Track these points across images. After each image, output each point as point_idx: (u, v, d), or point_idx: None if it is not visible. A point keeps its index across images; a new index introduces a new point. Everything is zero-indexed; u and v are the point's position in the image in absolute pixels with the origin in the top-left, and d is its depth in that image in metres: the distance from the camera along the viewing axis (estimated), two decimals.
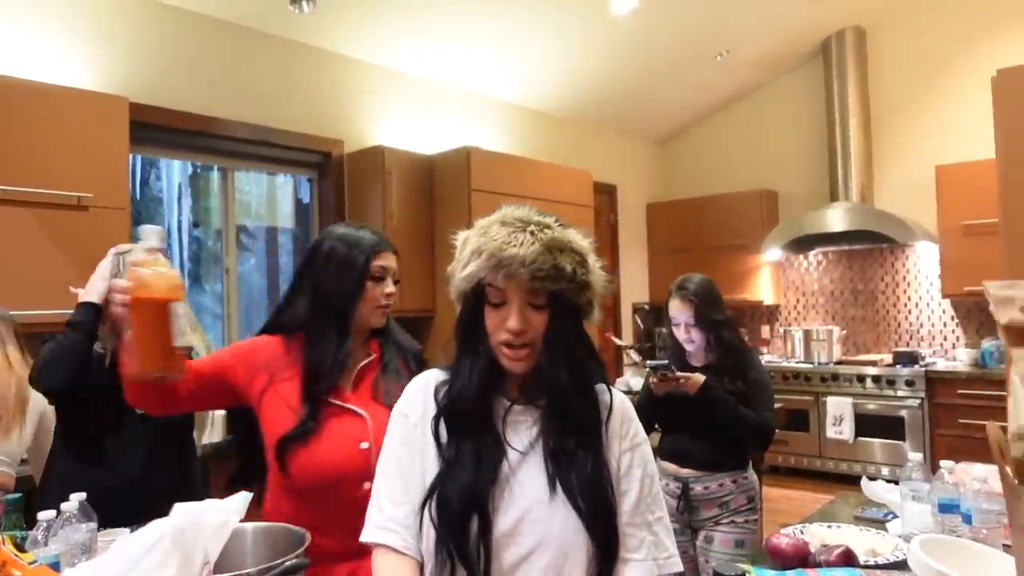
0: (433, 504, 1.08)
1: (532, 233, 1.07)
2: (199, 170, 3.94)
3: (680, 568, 1.16)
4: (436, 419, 1.14)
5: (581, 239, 1.13)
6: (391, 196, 4.06)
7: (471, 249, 1.10)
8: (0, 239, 2.66)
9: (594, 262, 1.13)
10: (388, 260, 1.61)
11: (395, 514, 1.12)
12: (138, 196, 3.66)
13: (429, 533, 1.09)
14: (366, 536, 1.12)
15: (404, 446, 1.16)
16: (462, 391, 1.13)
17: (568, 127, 5.75)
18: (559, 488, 1.09)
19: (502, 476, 1.10)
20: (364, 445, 1.47)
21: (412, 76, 4.59)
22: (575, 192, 4.83)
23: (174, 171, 3.86)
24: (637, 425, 1.21)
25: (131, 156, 3.18)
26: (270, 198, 4.28)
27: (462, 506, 1.07)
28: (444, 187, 4.25)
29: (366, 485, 1.25)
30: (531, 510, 1.08)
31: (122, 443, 1.89)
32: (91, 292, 1.78)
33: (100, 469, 1.84)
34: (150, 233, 1.31)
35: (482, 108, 5.07)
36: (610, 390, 1.19)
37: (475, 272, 1.09)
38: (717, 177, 6.39)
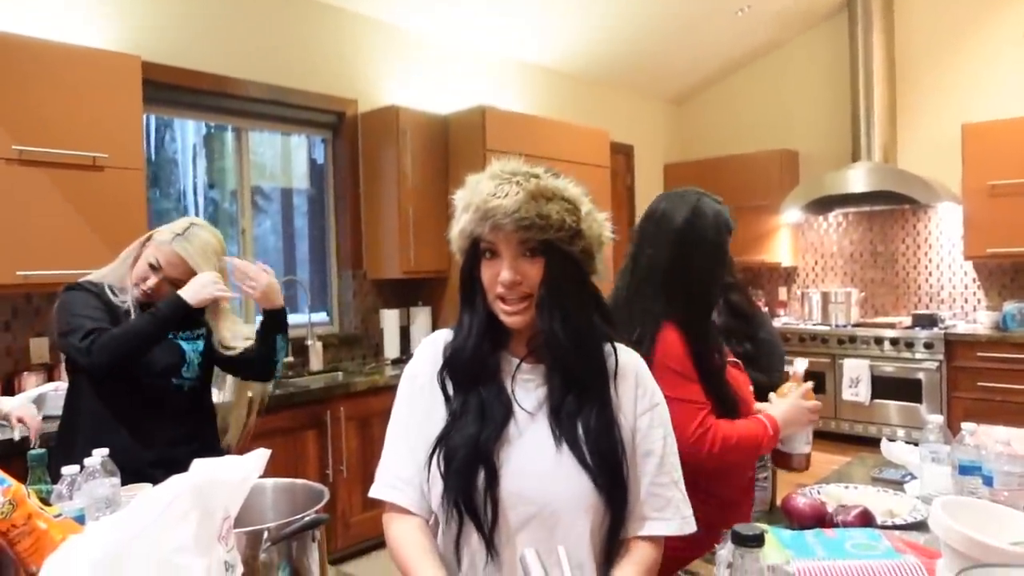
0: (440, 455, 1.09)
1: (518, 183, 1.06)
2: (213, 131, 3.92)
3: (695, 528, 1.16)
4: (440, 373, 1.16)
5: (572, 187, 1.11)
6: (406, 156, 4.02)
7: (462, 205, 1.12)
8: (17, 199, 2.66)
9: (588, 211, 1.11)
10: None
11: (401, 473, 1.15)
12: (153, 157, 3.65)
13: (436, 487, 1.10)
14: (374, 492, 1.16)
15: (411, 406, 1.19)
16: (462, 345, 1.15)
17: (584, 86, 5.65)
18: (564, 446, 1.08)
19: (509, 434, 1.10)
20: None
21: (427, 34, 4.51)
22: (592, 152, 4.77)
23: (188, 132, 3.84)
24: (653, 385, 1.20)
25: (145, 116, 3.16)
26: (284, 159, 4.26)
27: (468, 457, 1.07)
28: (459, 147, 4.21)
29: None
30: (538, 469, 1.08)
31: (163, 415, 1.90)
32: (196, 295, 1.80)
33: (139, 442, 1.83)
34: None
35: (497, 67, 4.98)
36: (615, 348, 1.17)
37: (464, 227, 1.10)
38: (736, 137, 6.27)
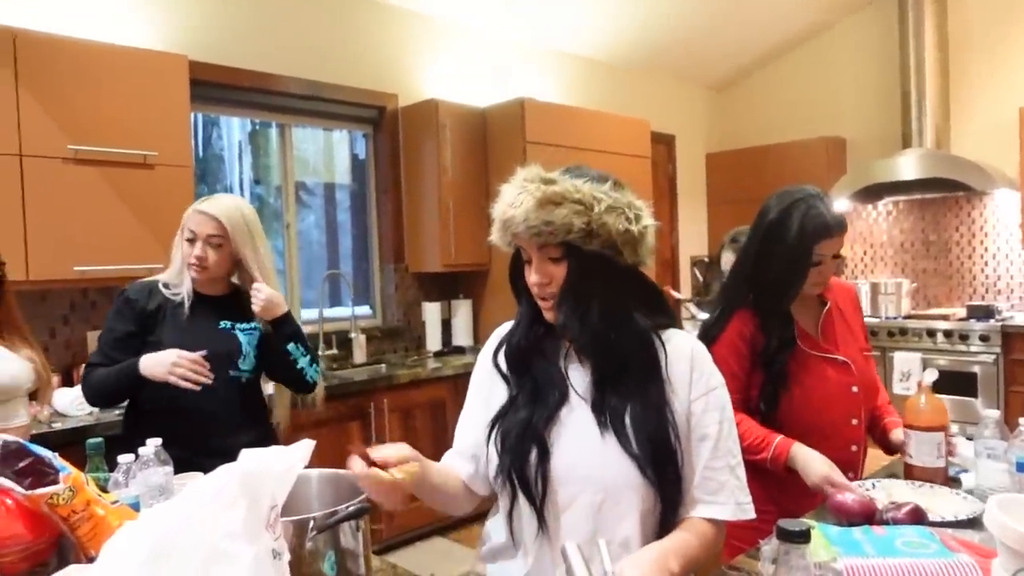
0: (497, 435, 1.20)
1: (529, 191, 1.11)
2: (258, 127, 3.99)
3: (754, 515, 1.18)
4: (494, 358, 1.27)
5: (587, 186, 1.12)
6: (445, 150, 4.04)
7: (494, 214, 1.18)
8: (73, 197, 2.76)
9: (607, 207, 1.11)
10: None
11: (459, 446, 1.29)
12: (200, 154, 3.74)
13: (493, 463, 1.20)
14: (445, 458, 1.29)
15: (475, 389, 1.31)
16: (513, 334, 1.26)
17: (624, 75, 5.59)
18: (609, 433, 1.13)
19: (561, 415, 1.17)
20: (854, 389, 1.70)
21: (465, 26, 4.51)
22: (632, 143, 4.72)
23: (234, 129, 3.93)
24: (711, 369, 1.21)
25: (192, 115, 3.24)
26: (327, 154, 4.32)
27: (520, 435, 1.16)
28: (498, 140, 4.21)
29: None
30: (584, 452, 1.14)
31: (220, 406, 1.93)
32: (148, 369, 1.84)
33: (197, 433, 1.87)
34: None
35: (536, 58, 4.96)
36: (660, 337, 1.18)
37: (496, 236, 1.18)
38: (780, 124, 6.13)
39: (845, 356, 1.71)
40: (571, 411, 1.17)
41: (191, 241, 1.91)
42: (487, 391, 1.28)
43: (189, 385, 1.80)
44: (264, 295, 1.93)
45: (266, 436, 2.04)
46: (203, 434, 1.86)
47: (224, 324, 1.98)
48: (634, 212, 1.14)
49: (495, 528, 1.26)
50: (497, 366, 1.26)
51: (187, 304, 1.94)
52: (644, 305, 1.18)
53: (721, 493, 1.15)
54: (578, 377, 1.20)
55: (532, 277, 1.16)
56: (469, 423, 1.29)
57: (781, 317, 1.66)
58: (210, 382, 1.84)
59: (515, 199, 1.12)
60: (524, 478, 1.14)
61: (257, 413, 2.05)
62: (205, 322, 1.95)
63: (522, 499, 1.15)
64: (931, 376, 1.72)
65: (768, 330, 1.66)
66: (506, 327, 1.31)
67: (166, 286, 1.97)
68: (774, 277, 1.65)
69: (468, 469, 1.26)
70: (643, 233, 1.15)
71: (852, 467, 1.69)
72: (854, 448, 1.70)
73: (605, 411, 1.15)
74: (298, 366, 2.01)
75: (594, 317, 1.13)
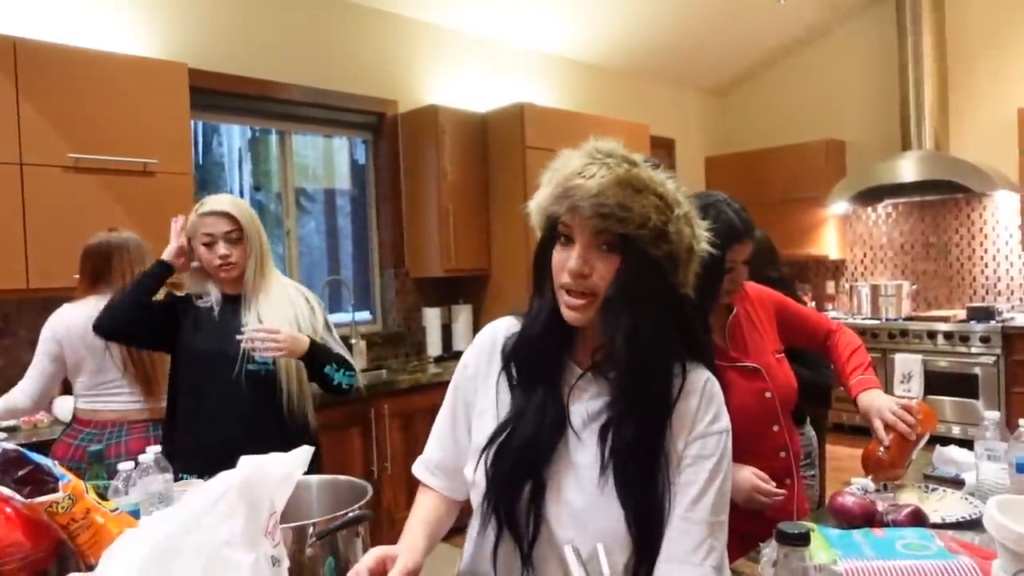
0: (490, 456, 1.04)
1: (608, 166, 0.95)
2: (258, 134, 4.00)
3: None
4: (506, 362, 1.09)
5: (672, 184, 0.99)
6: (445, 155, 4.05)
7: (546, 178, 1.01)
8: (74, 206, 2.76)
9: (684, 213, 0.99)
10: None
11: (435, 456, 1.18)
12: (201, 161, 3.75)
13: (479, 486, 1.06)
14: (413, 469, 1.21)
15: (455, 394, 1.16)
16: (528, 333, 1.06)
17: (623, 80, 5.60)
18: (610, 475, 0.99)
19: (560, 449, 1.02)
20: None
21: (463, 33, 4.53)
22: (631, 147, 4.66)
23: (234, 136, 3.94)
24: (720, 411, 1.04)
25: (192, 122, 3.25)
26: (327, 160, 4.33)
27: (517, 466, 1.01)
28: (498, 145, 4.22)
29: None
30: (580, 497, 1.00)
31: (240, 400, 1.94)
32: (167, 252, 1.98)
33: (217, 426, 1.92)
34: None
35: (535, 63, 4.98)
36: (685, 368, 1.02)
37: (542, 202, 1.00)
38: (780, 127, 6.14)
39: (756, 362, 1.61)
40: (569, 449, 1.02)
41: (209, 245, 1.92)
42: (470, 397, 1.13)
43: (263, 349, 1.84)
44: (283, 339, 1.86)
45: (287, 431, 1.97)
46: (221, 427, 1.90)
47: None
48: (699, 229, 1.03)
49: (473, 553, 1.14)
50: (507, 366, 1.08)
51: (216, 310, 1.98)
52: (682, 337, 1.03)
53: (697, 552, 0.97)
54: (581, 412, 1.04)
55: (573, 262, 0.96)
56: (443, 434, 1.16)
57: (701, 327, 1.58)
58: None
59: (586, 169, 0.95)
60: (514, 519, 1.01)
61: (275, 408, 1.99)
62: (233, 321, 1.96)
63: (508, 536, 1.02)
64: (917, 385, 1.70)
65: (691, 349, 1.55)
66: (502, 328, 1.14)
67: (199, 297, 2.01)
68: (693, 287, 1.55)
69: (444, 485, 1.16)
70: (699, 253, 1.03)
71: (787, 473, 1.61)
72: (783, 454, 1.63)
73: (613, 450, 0.99)
74: (335, 382, 2.00)
75: (645, 332, 0.96)
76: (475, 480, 1.06)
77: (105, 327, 1.99)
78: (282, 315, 1.94)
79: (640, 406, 0.99)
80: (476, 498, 1.08)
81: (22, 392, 2.39)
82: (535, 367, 1.05)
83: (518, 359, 1.07)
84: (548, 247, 1.02)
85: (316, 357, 1.93)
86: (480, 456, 1.05)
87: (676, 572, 0.97)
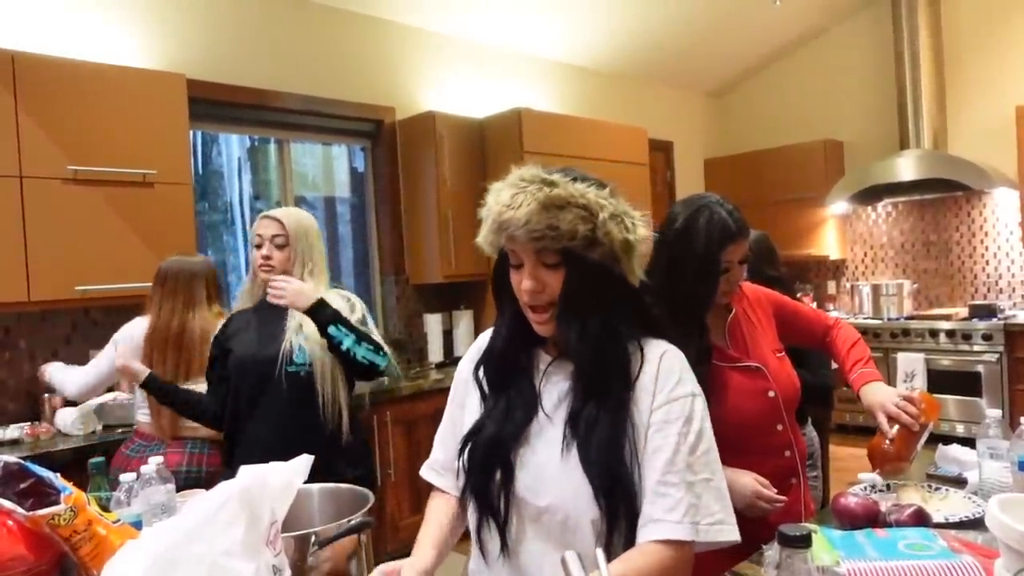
0: (466, 451, 1.16)
1: (531, 192, 1.05)
2: (256, 144, 4.01)
3: (736, 538, 1.05)
4: (475, 371, 1.21)
5: (592, 191, 1.07)
6: (443, 162, 4.06)
7: (483, 212, 1.11)
8: (73, 217, 2.77)
9: (610, 215, 1.06)
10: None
11: (439, 457, 1.27)
12: (200, 171, 3.76)
13: (462, 478, 1.17)
14: (422, 472, 1.29)
15: (452, 398, 1.28)
16: (492, 348, 1.20)
17: (620, 83, 5.61)
18: (573, 451, 1.07)
19: (530, 432, 1.13)
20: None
21: (460, 39, 4.54)
22: (630, 150, 4.73)
23: (233, 145, 3.95)
24: (682, 378, 1.11)
25: (191, 132, 3.26)
26: (326, 168, 4.34)
27: (486, 457, 1.12)
28: (496, 150, 4.22)
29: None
30: (547, 470, 1.09)
31: (282, 401, 2.00)
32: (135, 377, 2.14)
33: (263, 426, 2.01)
34: None
35: (532, 68, 4.99)
36: (642, 347, 1.12)
37: (485, 236, 1.11)
38: (778, 128, 6.15)
39: (757, 361, 1.61)
40: (540, 430, 1.12)
41: (259, 246, 2.06)
42: (463, 401, 1.24)
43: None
44: (288, 287, 1.97)
45: (323, 432, 2.00)
46: (266, 428, 1.99)
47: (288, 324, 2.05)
48: (630, 221, 1.10)
49: (473, 536, 1.20)
50: (477, 378, 1.21)
51: (254, 312, 2.09)
52: (637, 320, 1.14)
53: (675, 511, 1.02)
54: (552, 395, 1.14)
55: (525, 283, 1.07)
56: (446, 435, 1.27)
57: (699, 328, 1.56)
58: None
59: (513, 200, 1.05)
60: (487, 498, 1.11)
61: (318, 408, 2.02)
62: (273, 325, 2.04)
63: (488, 520, 1.13)
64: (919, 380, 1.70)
65: (685, 344, 1.49)
66: (486, 338, 1.25)
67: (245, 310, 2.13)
68: (689, 287, 1.53)
69: (451, 483, 1.23)
70: (638, 243, 1.10)
71: (793, 473, 1.61)
72: (787, 454, 1.62)
73: (575, 431, 1.08)
74: (343, 347, 1.97)
75: (593, 329, 1.07)
76: (459, 472, 1.18)
77: (216, 426, 2.14)
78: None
79: (598, 386, 1.09)
80: (460, 488, 1.18)
81: (73, 382, 2.57)
82: (504, 370, 1.18)
83: (488, 366, 1.20)
84: (502, 272, 1.15)
85: (322, 311, 1.96)
86: (461, 450, 1.17)
87: (652, 531, 1.03)
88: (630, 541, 1.05)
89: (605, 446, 1.05)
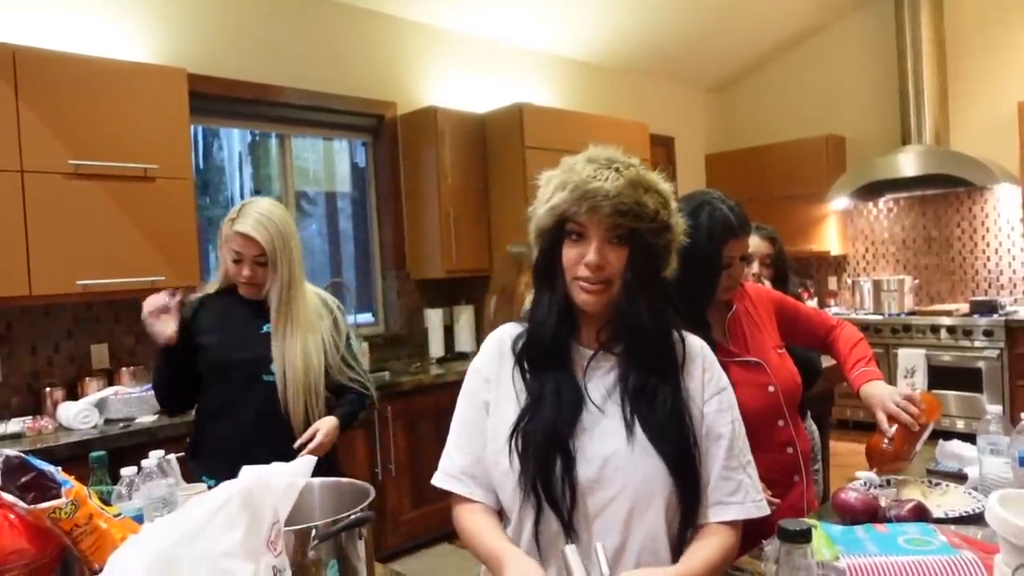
0: (517, 440, 1.11)
1: (617, 170, 1.08)
2: (258, 138, 4.01)
3: (768, 511, 1.17)
4: (519, 359, 1.17)
5: (665, 183, 1.14)
6: (445, 157, 4.05)
7: (556, 183, 1.11)
8: (75, 212, 2.77)
9: (676, 208, 1.14)
10: None
11: (458, 462, 1.19)
12: (201, 166, 3.76)
13: (512, 473, 1.11)
14: (437, 481, 1.21)
15: (470, 399, 1.22)
16: (541, 325, 1.15)
17: (621, 78, 5.60)
18: (638, 432, 1.09)
19: (583, 422, 1.11)
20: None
21: (461, 34, 4.53)
22: (631, 146, 4.63)
23: (234, 140, 3.94)
24: (719, 370, 1.21)
25: (192, 126, 3.25)
26: (327, 163, 4.33)
27: (544, 443, 1.09)
28: (497, 145, 4.22)
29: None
30: (613, 458, 1.09)
31: (258, 409, 1.96)
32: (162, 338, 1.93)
33: (235, 434, 1.96)
34: None
35: (533, 63, 4.98)
36: (683, 336, 1.19)
37: (559, 204, 1.09)
38: (779, 124, 6.14)
39: (757, 357, 1.61)
40: (594, 423, 1.12)
41: (238, 262, 1.94)
42: (488, 400, 1.19)
43: (155, 319, 1.88)
44: (324, 440, 1.94)
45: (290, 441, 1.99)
46: (239, 435, 1.94)
47: (265, 328, 1.98)
48: (684, 225, 1.18)
49: (521, 535, 1.16)
50: (521, 366, 1.17)
51: (225, 308, 2.01)
52: (670, 305, 1.18)
53: (738, 493, 1.13)
54: (599, 388, 1.14)
55: (591, 256, 1.08)
56: (465, 437, 1.20)
57: (701, 324, 1.55)
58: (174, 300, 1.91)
59: (599, 173, 1.07)
60: (551, 491, 1.08)
61: (288, 421, 1.99)
62: (248, 326, 1.99)
63: (548, 510, 1.08)
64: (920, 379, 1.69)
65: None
66: (507, 333, 1.22)
67: (218, 293, 2.05)
68: (693, 283, 1.51)
69: (473, 490, 1.17)
70: (682, 243, 1.18)
71: (795, 469, 1.61)
72: (790, 450, 1.61)
73: (636, 409, 1.11)
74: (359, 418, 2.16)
75: (653, 308, 1.11)
76: (507, 468, 1.12)
77: (169, 408, 2.08)
78: (309, 346, 1.98)
79: (654, 366, 1.13)
80: (507, 489, 1.13)
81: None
82: (550, 355, 1.15)
83: (532, 352, 1.16)
84: (556, 247, 1.13)
85: (345, 423, 2.06)
86: (509, 442, 1.12)
87: (723, 512, 1.12)
88: (687, 520, 1.11)
89: (672, 421, 1.10)
